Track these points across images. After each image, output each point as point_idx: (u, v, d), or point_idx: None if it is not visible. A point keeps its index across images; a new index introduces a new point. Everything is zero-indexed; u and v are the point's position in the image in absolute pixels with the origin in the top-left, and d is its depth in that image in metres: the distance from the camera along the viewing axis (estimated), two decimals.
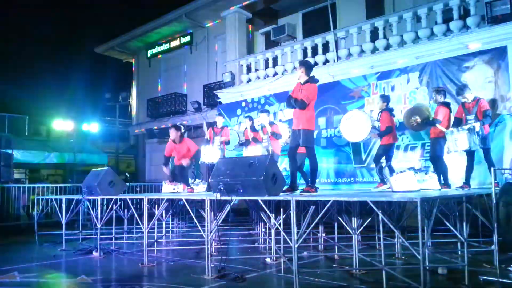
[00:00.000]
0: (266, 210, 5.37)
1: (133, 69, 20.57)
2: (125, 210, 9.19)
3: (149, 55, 19.17)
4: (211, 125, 9.75)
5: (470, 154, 6.99)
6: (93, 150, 17.70)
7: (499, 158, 7.80)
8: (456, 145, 6.74)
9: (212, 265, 5.66)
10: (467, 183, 7.01)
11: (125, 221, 9.18)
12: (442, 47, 9.17)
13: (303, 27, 14.00)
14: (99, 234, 7.38)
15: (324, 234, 7.67)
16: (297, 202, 4.90)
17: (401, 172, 5.83)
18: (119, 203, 8.34)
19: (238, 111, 12.67)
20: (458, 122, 7.06)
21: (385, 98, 7.86)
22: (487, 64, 8.31)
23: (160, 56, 18.90)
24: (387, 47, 10.36)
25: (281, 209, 5.78)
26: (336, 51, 11.18)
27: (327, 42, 11.51)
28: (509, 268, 5.47)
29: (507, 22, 8.25)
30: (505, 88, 8.05)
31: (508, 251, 5.82)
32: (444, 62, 8.90)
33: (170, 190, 8.66)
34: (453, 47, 9.00)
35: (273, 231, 6.38)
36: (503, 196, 5.42)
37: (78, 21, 35.10)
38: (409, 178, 5.59)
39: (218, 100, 13.82)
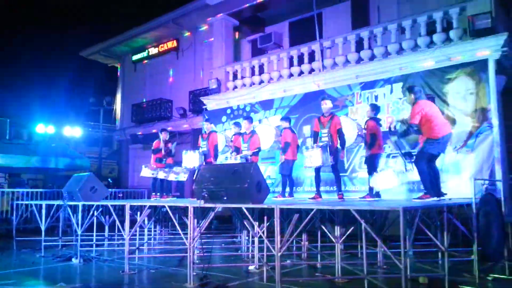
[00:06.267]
0: (250, 218, 5.36)
1: (118, 73, 20.41)
2: (107, 216, 9.07)
3: (134, 60, 19.07)
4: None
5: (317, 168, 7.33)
6: (76, 154, 17.45)
7: (479, 169, 7.93)
8: (311, 161, 7.19)
9: (194, 273, 5.62)
10: (317, 193, 7.39)
11: (107, 227, 9.06)
12: (426, 58, 9.32)
13: (290, 36, 14.10)
14: (79, 241, 7.27)
15: (307, 243, 7.68)
16: (281, 210, 4.89)
17: (381, 170, 5.97)
18: (100, 209, 8.22)
19: (224, 118, 12.65)
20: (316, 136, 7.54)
21: (374, 107, 7.89)
22: (469, 76, 8.46)
23: (146, 61, 18.80)
24: (372, 57, 10.49)
25: (265, 217, 5.78)
26: (322, 61, 11.28)
27: (313, 51, 11.61)
28: (488, 278, 5.55)
29: (488, 36, 8.44)
30: (486, 100, 8.20)
31: (487, 261, 5.91)
32: (427, 74, 9.04)
33: (149, 174, 8.67)
34: (436, 59, 9.16)
35: (256, 239, 6.37)
36: (483, 207, 5.53)
37: (64, 25, 34.77)
38: (389, 175, 5.74)
39: (204, 107, 13.78)
